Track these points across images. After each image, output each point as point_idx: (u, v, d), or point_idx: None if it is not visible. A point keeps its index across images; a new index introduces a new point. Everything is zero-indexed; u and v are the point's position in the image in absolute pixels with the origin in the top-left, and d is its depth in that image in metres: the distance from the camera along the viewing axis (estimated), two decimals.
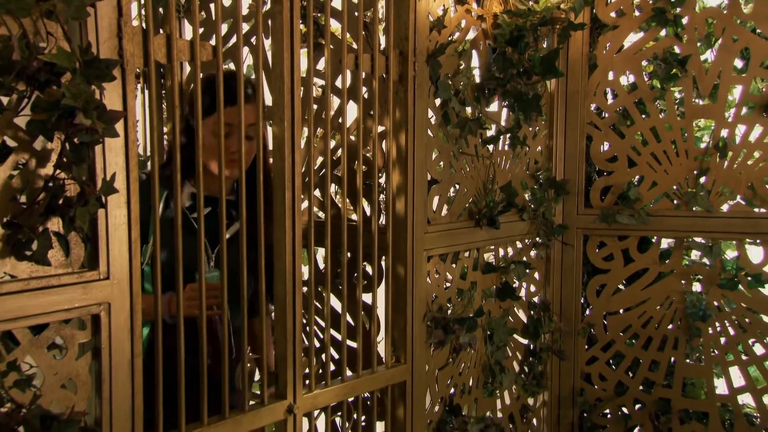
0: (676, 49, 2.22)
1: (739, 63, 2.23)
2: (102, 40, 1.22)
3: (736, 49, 2.16)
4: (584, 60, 2.29)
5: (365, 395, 1.95)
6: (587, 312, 2.43)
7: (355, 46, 2.07)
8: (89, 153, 1.19)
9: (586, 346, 2.42)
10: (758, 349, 2.22)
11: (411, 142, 1.93)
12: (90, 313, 1.26)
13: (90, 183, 1.19)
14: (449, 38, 1.99)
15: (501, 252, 2.26)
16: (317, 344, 2.12)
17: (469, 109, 2.16)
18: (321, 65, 2.18)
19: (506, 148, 2.21)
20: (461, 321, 2.05)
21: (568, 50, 2.30)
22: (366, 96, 2.14)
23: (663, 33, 2.23)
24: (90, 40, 1.20)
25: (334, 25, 2.15)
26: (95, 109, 1.08)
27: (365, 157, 2.17)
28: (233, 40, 2.33)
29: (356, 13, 1.87)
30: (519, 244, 2.30)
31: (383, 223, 1.97)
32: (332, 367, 1.82)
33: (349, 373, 1.86)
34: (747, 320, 2.23)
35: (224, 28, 2.37)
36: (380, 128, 2.05)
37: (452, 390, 2.10)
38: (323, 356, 1.84)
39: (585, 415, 2.42)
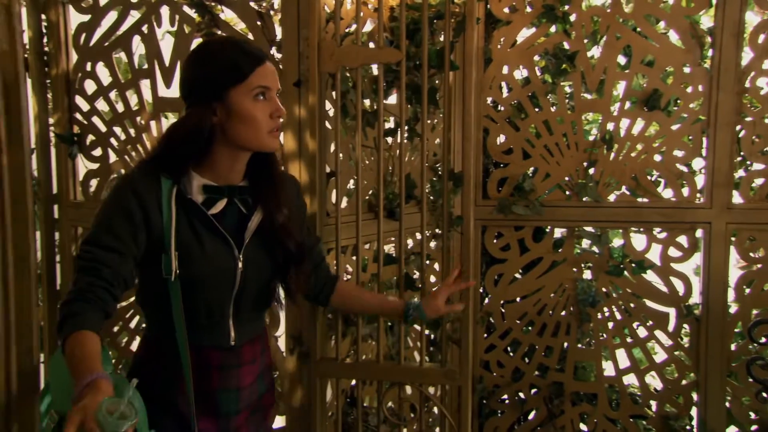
0: (566, 45, 2.37)
1: (622, 59, 2.41)
2: None
3: (620, 47, 2.34)
4: (480, 54, 2.41)
5: None
6: (486, 301, 2.57)
7: (251, 36, 2.10)
8: None
9: (485, 335, 2.55)
10: (642, 332, 2.43)
11: (308, 134, 1.98)
12: None
13: None
14: (346, 30, 2.05)
15: (405, 243, 2.34)
16: None
17: (367, 102, 2.23)
18: None
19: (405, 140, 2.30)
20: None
21: (464, 44, 2.41)
22: None
23: (553, 29, 2.38)
24: None
25: (230, 15, 2.17)
26: None
27: None
28: (124, 27, 2.31)
29: (251, 3, 1.90)
30: (418, 236, 2.39)
31: None
32: None
33: None
34: (632, 305, 2.42)
35: (114, 16, 2.34)
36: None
37: (353, 382, 2.17)
38: None
39: (484, 401, 2.55)
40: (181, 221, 1.41)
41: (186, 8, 2.15)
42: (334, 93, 1.99)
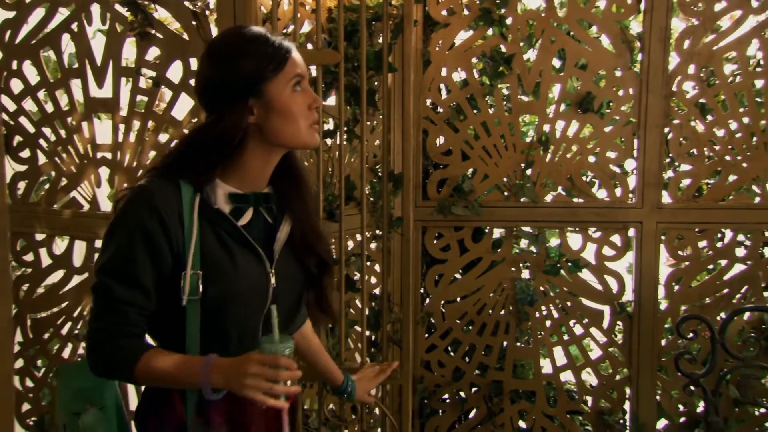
0: (503, 48, 2.43)
1: (557, 63, 2.48)
2: None
3: (554, 50, 2.41)
4: (418, 56, 2.45)
5: None
6: (426, 301, 2.60)
7: (186, 36, 2.08)
8: None
9: (426, 335, 2.59)
10: (578, 330, 2.50)
11: None
12: None
13: None
14: (284, 31, 2.05)
15: (345, 245, 2.35)
16: None
17: None
18: (151, 55, 2.17)
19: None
20: None
21: (403, 46, 2.44)
22: None
23: (490, 32, 2.43)
24: None
25: (164, 14, 2.15)
26: None
27: None
28: (52, 24, 2.26)
29: (186, 3, 1.88)
30: (359, 237, 2.41)
31: None
32: None
33: None
34: (568, 303, 2.49)
35: (41, 13, 2.28)
36: None
37: None
38: None
39: (425, 401, 2.59)
40: (206, 235, 1.27)
41: (118, 6, 2.11)
42: None
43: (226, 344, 1.29)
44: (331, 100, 2.39)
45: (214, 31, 1.95)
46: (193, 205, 1.25)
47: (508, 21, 2.40)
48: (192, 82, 2.12)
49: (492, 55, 2.43)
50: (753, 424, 2.37)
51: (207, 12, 1.97)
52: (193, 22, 1.96)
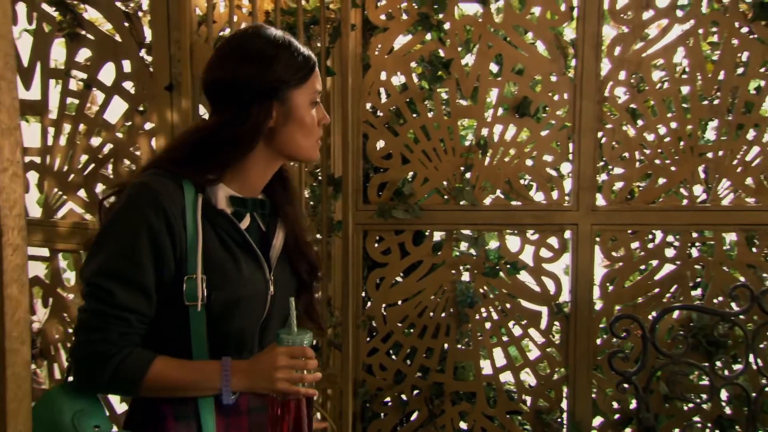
0: (441, 53, 2.46)
1: (494, 67, 2.53)
2: None
3: (491, 55, 2.45)
4: (358, 60, 2.46)
5: None
6: (368, 305, 2.61)
7: (118, 38, 2.04)
8: None
9: (368, 338, 2.60)
10: (517, 331, 2.55)
11: None
12: None
13: None
14: (219, 33, 2.04)
15: None
16: None
17: None
18: (81, 57, 2.12)
19: None
20: None
21: (343, 50, 2.45)
22: (133, 91, 2.12)
23: (428, 37, 2.47)
24: None
25: (94, 15, 2.10)
26: None
27: (133, 156, 2.15)
28: None
29: (118, 3, 1.85)
30: None
31: None
32: None
33: None
34: (508, 305, 2.54)
35: None
36: (149, 125, 2.04)
37: None
38: None
39: (367, 404, 2.60)
40: (209, 237, 1.22)
41: (45, 6, 2.06)
42: None
43: (225, 350, 1.24)
44: None
45: (148, 33, 1.92)
46: (196, 206, 1.21)
47: (446, 26, 2.44)
48: (126, 84, 2.09)
49: (431, 59, 2.46)
50: (681, 419, 2.47)
51: (140, 13, 1.94)
52: (126, 24, 1.93)
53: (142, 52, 1.99)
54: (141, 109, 2.08)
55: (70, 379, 1.22)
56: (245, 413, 1.26)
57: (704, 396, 2.44)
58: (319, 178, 2.45)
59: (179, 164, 1.22)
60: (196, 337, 1.21)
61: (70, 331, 2.40)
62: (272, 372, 1.16)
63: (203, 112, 2.07)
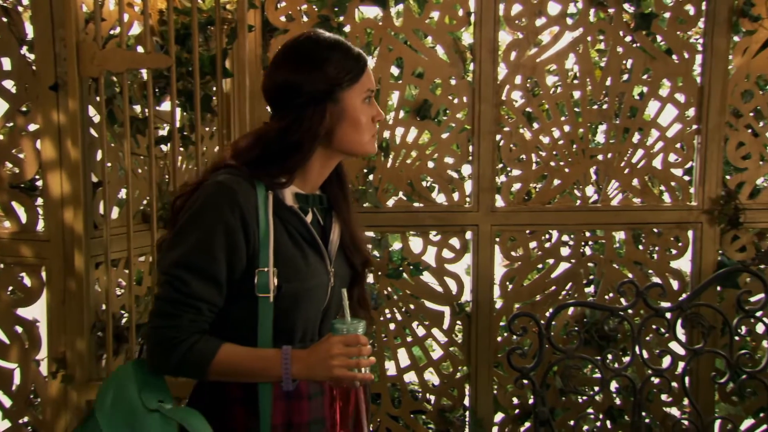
0: None
1: (395, 71, 2.57)
2: None
3: (392, 58, 2.49)
4: (258, 62, 2.44)
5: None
6: None
7: None
8: None
9: None
10: (420, 331, 2.60)
11: (70, 142, 1.89)
12: None
13: None
14: (110, 32, 1.99)
15: None
16: None
17: (138, 108, 2.18)
18: None
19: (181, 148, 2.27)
20: (138, 328, 2.06)
21: (243, 51, 2.43)
22: (14, 91, 2.03)
23: None
24: None
25: None
26: None
27: (16, 158, 2.07)
28: None
29: None
30: None
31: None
32: None
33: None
34: (411, 306, 2.58)
35: None
36: (33, 126, 1.97)
37: None
38: None
39: None
40: (279, 233, 1.32)
41: None
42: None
43: (291, 340, 1.33)
44: (167, 105, 2.34)
45: (29, 30, 1.85)
46: (267, 204, 1.31)
47: (347, 29, 2.46)
48: (6, 83, 2.01)
49: None
50: (576, 411, 2.57)
51: (20, 8, 1.87)
52: (4, 19, 1.85)
53: (24, 50, 1.91)
54: (24, 109, 2.00)
55: (142, 356, 1.34)
56: (305, 398, 1.35)
57: (596, 388, 2.55)
58: None
59: (250, 166, 1.32)
60: (263, 326, 1.30)
61: None
62: (328, 360, 1.25)
63: (93, 113, 2.01)
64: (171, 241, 1.30)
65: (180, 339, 1.25)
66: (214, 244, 1.26)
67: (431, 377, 2.64)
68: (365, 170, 2.52)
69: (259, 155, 1.33)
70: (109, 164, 2.03)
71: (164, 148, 2.28)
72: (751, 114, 2.57)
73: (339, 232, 1.44)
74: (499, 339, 2.59)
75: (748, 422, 2.61)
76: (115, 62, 1.91)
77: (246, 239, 1.28)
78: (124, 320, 2.19)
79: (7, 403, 2.13)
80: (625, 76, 2.56)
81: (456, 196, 2.56)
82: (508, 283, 2.61)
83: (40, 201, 2.07)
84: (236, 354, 1.28)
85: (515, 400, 2.60)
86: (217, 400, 1.34)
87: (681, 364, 2.41)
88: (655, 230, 2.60)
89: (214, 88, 2.30)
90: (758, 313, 2.39)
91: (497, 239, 2.56)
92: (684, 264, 2.63)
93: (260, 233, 1.29)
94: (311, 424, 1.36)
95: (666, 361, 2.46)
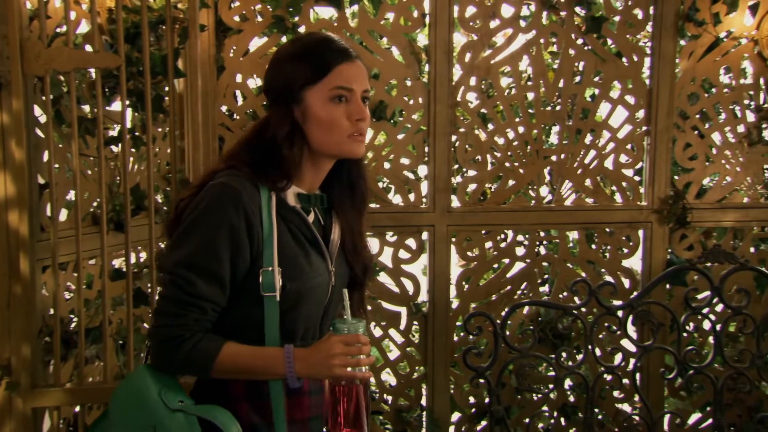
0: None
1: None
2: None
3: None
4: (211, 62, 2.42)
5: None
6: None
7: None
8: None
9: None
10: (377, 332, 2.60)
11: (14, 142, 1.85)
12: None
13: None
14: (56, 30, 1.94)
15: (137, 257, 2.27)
16: None
17: (87, 108, 2.13)
18: None
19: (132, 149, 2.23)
20: (87, 333, 2.02)
21: (195, 51, 2.40)
22: None
23: (284, 39, 2.46)
24: None
25: None
26: None
27: None
28: None
29: None
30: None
31: None
32: None
33: None
34: (368, 307, 2.58)
35: None
36: None
37: (77, 408, 2.05)
38: None
39: None
40: (282, 232, 1.34)
41: None
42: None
43: (293, 338, 1.36)
44: (117, 105, 2.30)
45: None
46: (270, 204, 1.33)
47: (302, 29, 2.45)
48: None
49: None
50: (531, 409, 2.61)
51: None
52: None
53: None
54: None
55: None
56: (306, 394, 1.40)
57: (551, 386, 2.59)
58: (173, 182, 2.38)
59: (251, 167, 1.34)
60: (269, 324, 1.33)
61: None
62: (329, 359, 1.27)
63: (39, 113, 1.96)
64: (175, 241, 1.32)
65: (184, 337, 1.27)
66: (218, 245, 1.28)
67: (388, 378, 2.65)
68: None
69: (248, 157, 1.36)
70: (56, 165, 1.98)
71: (115, 149, 2.24)
72: (698, 116, 2.64)
73: (339, 232, 1.46)
74: (455, 339, 2.62)
75: (695, 416, 2.69)
76: (61, 61, 1.87)
77: (250, 239, 1.30)
78: (73, 325, 2.14)
79: None
80: (577, 78, 2.60)
81: (412, 196, 2.57)
82: (464, 283, 2.63)
83: None
84: (239, 352, 1.30)
85: (471, 399, 2.63)
86: (221, 397, 1.35)
87: (632, 361, 2.46)
88: (607, 230, 2.65)
89: (167, 88, 2.27)
90: (704, 310, 2.46)
91: (453, 239, 2.58)
92: (635, 263, 2.69)
93: (264, 233, 1.31)
94: (311, 420, 1.41)
95: (618, 358, 2.51)
